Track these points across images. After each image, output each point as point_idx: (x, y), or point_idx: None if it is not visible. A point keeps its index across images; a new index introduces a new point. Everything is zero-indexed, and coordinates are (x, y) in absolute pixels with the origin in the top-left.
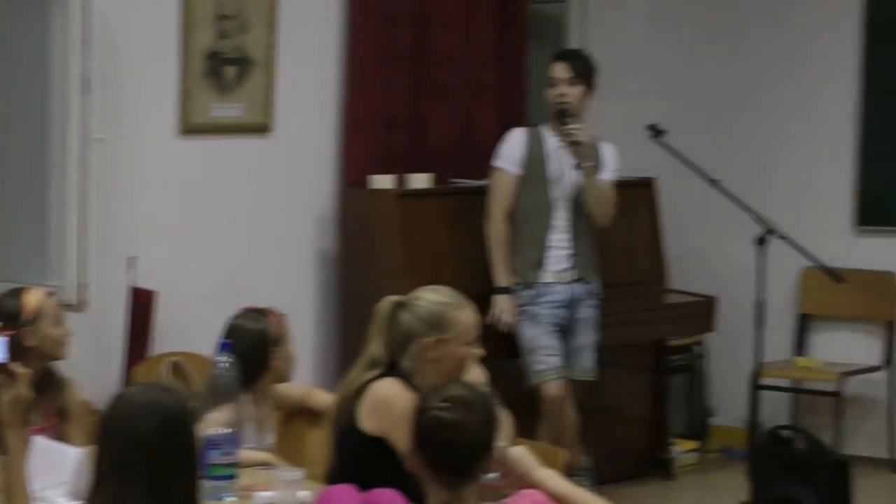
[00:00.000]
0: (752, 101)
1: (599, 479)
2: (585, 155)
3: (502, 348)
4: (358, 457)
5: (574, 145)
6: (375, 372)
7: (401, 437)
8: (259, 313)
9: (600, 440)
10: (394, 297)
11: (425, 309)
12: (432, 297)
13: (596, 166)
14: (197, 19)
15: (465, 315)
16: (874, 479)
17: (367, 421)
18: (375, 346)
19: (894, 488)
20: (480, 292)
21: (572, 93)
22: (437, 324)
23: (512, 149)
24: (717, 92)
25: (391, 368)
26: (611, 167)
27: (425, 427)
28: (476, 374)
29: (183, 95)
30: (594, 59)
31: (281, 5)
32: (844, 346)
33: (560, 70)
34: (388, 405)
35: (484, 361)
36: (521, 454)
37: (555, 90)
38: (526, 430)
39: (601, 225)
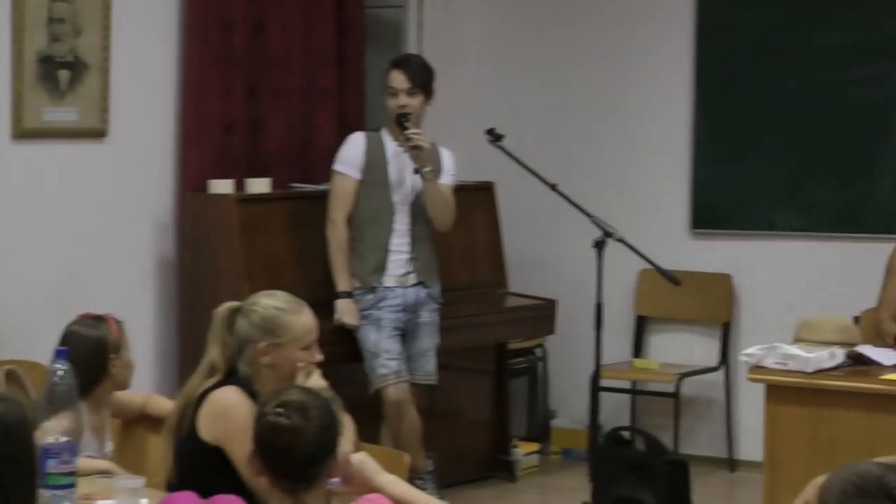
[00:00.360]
0: (590, 106)
1: (442, 482)
2: (426, 160)
3: (344, 353)
4: (198, 465)
5: (415, 150)
6: (214, 379)
7: (237, 447)
8: (97, 320)
9: (443, 443)
10: (231, 303)
11: (259, 314)
12: (268, 301)
13: (436, 171)
14: (28, 22)
15: (301, 319)
16: (713, 479)
17: (206, 430)
18: (213, 353)
19: (732, 487)
20: (322, 297)
21: (412, 102)
22: (270, 329)
23: (352, 153)
24: (556, 96)
25: (231, 375)
26: (449, 172)
27: (263, 432)
28: (315, 380)
29: (15, 100)
30: (431, 65)
31: (114, 9)
32: (682, 348)
33: (399, 80)
34: (225, 414)
35: (326, 366)
36: (362, 460)
37: (395, 100)
38: (368, 435)
39: (442, 230)
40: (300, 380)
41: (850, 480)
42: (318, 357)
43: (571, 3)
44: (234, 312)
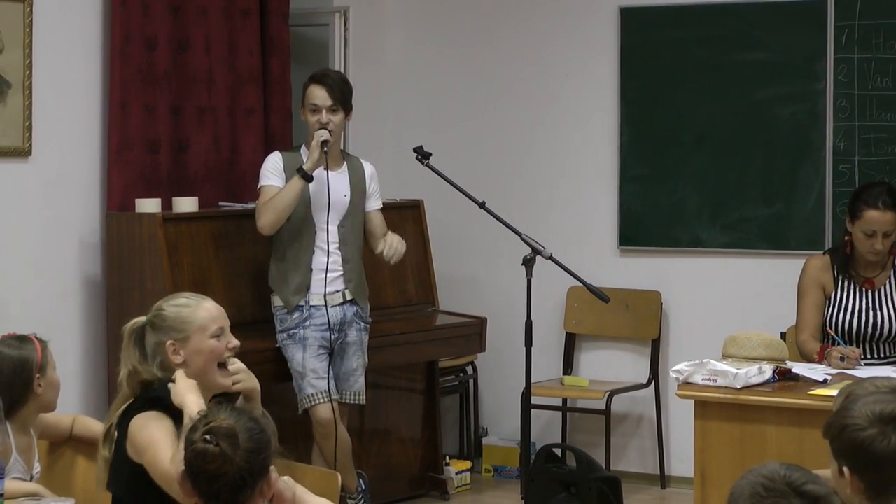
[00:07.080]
0: (517, 124)
1: (374, 501)
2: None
3: (273, 372)
4: (132, 484)
5: (324, 146)
6: (130, 399)
7: (151, 464)
8: (21, 340)
9: (374, 462)
10: (137, 319)
11: (162, 316)
12: (168, 303)
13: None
14: None
15: (200, 311)
16: (644, 495)
17: (131, 450)
18: (125, 371)
19: (664, 503)
20: (249, 316)
21: (334, 119)
22: (173, 326)
23: (270, 166)
24: (484, 114)
25: (147, 389)
26: (376, 195)
27: (191, 458)
28: (237, 366)
29: None
30: (349, 81)
31: (37, 27)
32: (612, 365)
33: (320, 97)
34: (137, 437)
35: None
36: (290, 482)
37: (315, 116)
38: (299, 454)
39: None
40: (222, 380)
41: (758, 482)
42: (235, 343)
43: (497, 21)
44: (143, 327)
